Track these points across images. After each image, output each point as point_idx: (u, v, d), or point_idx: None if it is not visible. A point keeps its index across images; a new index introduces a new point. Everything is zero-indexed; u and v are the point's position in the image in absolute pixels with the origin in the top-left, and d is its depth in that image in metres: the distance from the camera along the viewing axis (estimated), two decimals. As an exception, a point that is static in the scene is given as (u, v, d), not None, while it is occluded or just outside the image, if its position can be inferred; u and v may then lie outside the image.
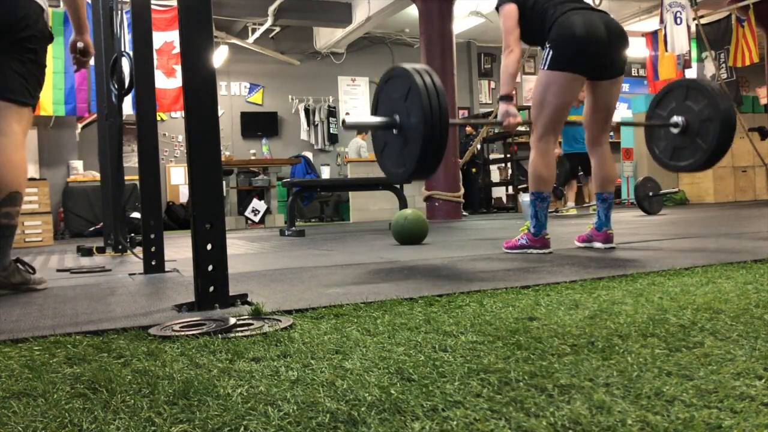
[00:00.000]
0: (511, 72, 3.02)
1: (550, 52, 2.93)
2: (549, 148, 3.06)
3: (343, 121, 2.84)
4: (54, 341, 1.46)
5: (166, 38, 8.08)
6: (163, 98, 7.99)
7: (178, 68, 7.56)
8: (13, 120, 2.47)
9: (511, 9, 3.04)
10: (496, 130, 12.28)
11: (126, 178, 4.40)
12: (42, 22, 2.53)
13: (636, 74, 14.46)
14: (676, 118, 3.46)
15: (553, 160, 3.10)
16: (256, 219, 9.10)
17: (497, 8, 3.12)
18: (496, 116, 9.23)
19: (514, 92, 3.08)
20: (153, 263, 2.93)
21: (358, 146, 10.84)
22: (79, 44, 2.78)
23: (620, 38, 2.96)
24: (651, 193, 7.17)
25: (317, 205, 11.34)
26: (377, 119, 2.89)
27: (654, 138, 3.64)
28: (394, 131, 2.81)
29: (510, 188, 11.93)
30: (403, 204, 6.36)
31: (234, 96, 11.72)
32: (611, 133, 3.27)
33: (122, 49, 3.61)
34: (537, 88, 3.05)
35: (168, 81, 8.09)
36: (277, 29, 11.37)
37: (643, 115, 11.00)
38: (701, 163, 3.41)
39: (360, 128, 3.04)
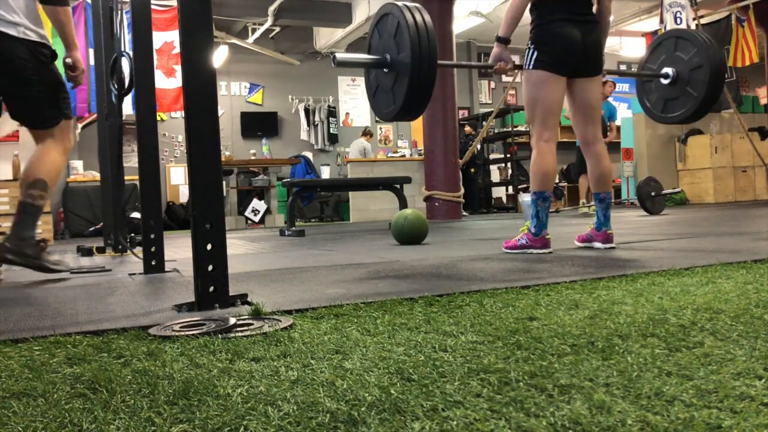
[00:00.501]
0: (513, 14, 3.04)
1: (535, 53, 3.02)
2: (550, 147, 3.07)
3: (334, 57, 2.85)
4: (54, 341, 1.46)
5: (166, 38, 8.08)
6: (163, 98, 7.98)
7: (178, 68, 7.56)
8: (47, 136, 2.97)
9: None
10: (496, 130, 12.28)
11: (126, 178, 4.40)
12: (32, 56, 2.77)
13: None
14: (667, 69, 3.48)
15: (554, 159, 3.10)
16: (256, 219, 9.10)
17: None
18: (496, 116, 9.21)
19: (510, 34, 3.09)
20: (153, 263, 2.93)
21: (362, 147, 10.82)
22: (67, 60, 3.00)
23: (594, 44, 3.05)
24: (653, 193, 7.18)
25: (317, 205, 11.35)
26: (368, 56, 2.94)
27: (646, 92, 3.66)
28: (385, 69, 2.85)
29: (510, 188, 11.93)
30: (403, 204, 6.36)
31: (234, 96, 11.72)
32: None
33: (122, 49, 3.61)
34: (526, 89, 3.12)
35: (168, 81, 8.09)
36: (277, 29, 11.37)
37: (643, 115, 11.00)
38: (692, 111, 3.43)
39: (351, 65, 3.07)
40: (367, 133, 11.18)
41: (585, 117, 3.16)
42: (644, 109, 3.70)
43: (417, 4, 2.87)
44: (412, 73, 2.68)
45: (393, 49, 2.83)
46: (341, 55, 2.89)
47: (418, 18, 2.74)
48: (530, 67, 3.06)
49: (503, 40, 3.07)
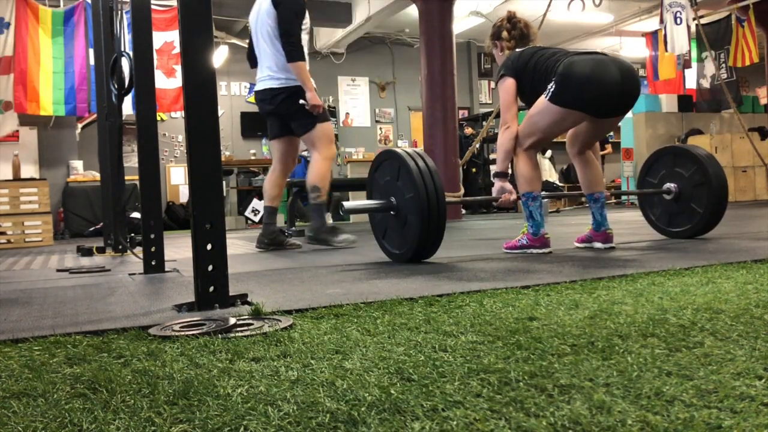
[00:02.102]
0: (506, 149, 3.03)
1: (553, 87, 2.88)
2: (530, 154, 3.08)
3: (342, 207, 2.97)
4: (54, 341, 1.46)
5: (166, 38, 8.08)
6: (163, 98, 7.98)
7: (178, 68, 7.56)
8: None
9: (510, 84, 3.04)
10: (496, 131, 12.28)
11: (126, 178, 4.40)
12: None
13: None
14: (669, 185, 3.51)
15: (536, 162, 3.11)
16: (256, 219, 9.10)
17: (496, 83, 3.15)
18: (496, 116, 9.21)
19: (509, 169, 3.11)
20: (153, 263, 2.93)
21: None
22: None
23: (632, 78, 2.92)
24: None
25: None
26: (374, 202, 3.02)
27: (649, 205, 3.69)
28: (392, 213, 2.89)
29: (510, 188, 11.91)
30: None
31: (234, 96, 11.72)
32: (611, 133, 3.30)
33: (122, 49, 3.61)
34: (535, 110, 3.00)
35: (168, 81, 8.09)
36: (277, 29, 11.36)
37: (643, 115, 11.00)
38: (701, 226, 3.46)
39: (359, 212, 3.17)
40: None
41: (591, 141, 3.15)
42: (649, 222, 3.74)
43: (417, 149, 2.92)
44: (422, 218, 2.72)
45: (398, 192, 2.87)
46: (349, 204, 3.03)
47: (420, 162, 2.80)
48: (547, 98, 2.91)
49: (502, 174, 3.08)
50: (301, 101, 3.92)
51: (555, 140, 3.28)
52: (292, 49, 3.92)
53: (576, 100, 2.86)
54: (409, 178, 2.76)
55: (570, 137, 3.20)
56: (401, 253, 2.93)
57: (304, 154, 9.36)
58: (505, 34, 3.25)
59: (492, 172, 3.05)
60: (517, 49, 3.16)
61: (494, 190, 3.10)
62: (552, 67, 2.92)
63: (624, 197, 10.99)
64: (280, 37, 3.94)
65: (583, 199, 3.35)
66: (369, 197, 3.12)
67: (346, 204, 2.98)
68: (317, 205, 4.03)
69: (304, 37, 4.10)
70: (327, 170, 4.08)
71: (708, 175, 3.37)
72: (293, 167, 4.25)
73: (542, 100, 2.94)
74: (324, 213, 4.06)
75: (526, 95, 3.08)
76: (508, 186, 3.06)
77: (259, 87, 4.07)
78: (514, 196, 3.06)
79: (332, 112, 12.32)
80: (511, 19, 3.29)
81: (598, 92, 2.84)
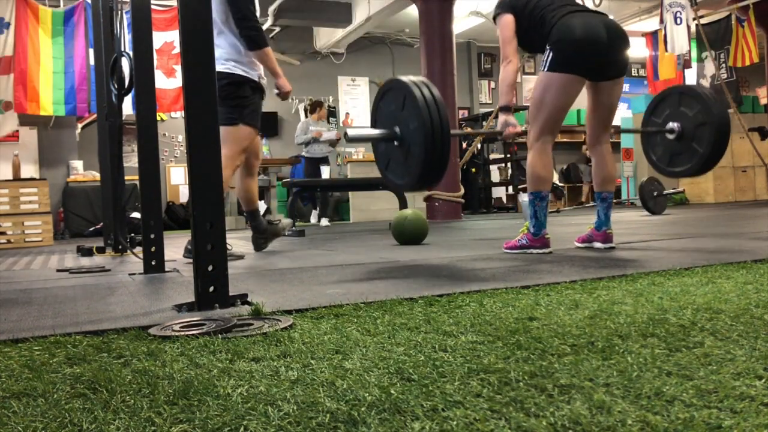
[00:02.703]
0: (509, 82, 3.05)
1: (550, 54, 2.93)
2: (546, 148, 3.07)
3: (345, 134, 2.87)
4: (54, 341, 1.46)
5: (166, 38, 8.08)
6: (163, 98, 7.99)
7: (178, 68, 7.56)
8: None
9: (508, 19, 3.06)
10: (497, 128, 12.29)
11: (126, 178, 4.40)
12: None
13: (636, 74, 14.46)
14: (672, 124, 3.50)
15: (551, 159, 3.10)
16: (256, 219, 9.08)
17: (494, 18, 3.15)
18: (496, 116, 9.23)
19: (513, 102, 3.11)
20: (153, 263, 2.93)
21: (306, 128, 9.05)
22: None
23: (621, 39, 2.97)
24: (656, 193, 7.18)
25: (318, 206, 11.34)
26: (378, 131, 2.92)
27: (651, 145, 3.69)
28: (395, 143, 2.83)
29: (510, 188, 11.93)
30: (403, 204, 6.36)
31: (234, 96, 11.70)
32: (612, 131, 3.30)
33: (122, 49, 3.61)
34: (536, 89, 3.05)
35: (168, 81, 8.09)
36: (277, 29, 11.36)
37: (643, 115, 10.99)
38: (698, 167, 3.45)
39: (362, 141, 3.10)
40: (315, 109, 9.18)
41: (602, 119, 3.15)
42: (650, 162, 3.72)
43: (423, 78, 2.84)
44: (426, 146, 2.65)
45: (403, 122, 2.80)
46: (352, 132, 2.92)
47: (426, 91, 2.73)
48: (545, 69, 2.97)
49: (506, 108, 3.09)
50: (276, 91, 3.80)
51: (556, 140, 3.27)
52: (255, 35, 3.53)
53: (571, 62, 2.93)
54: (413, 108, 2.68)
55: (586, 122, 3.23)
56: (403, 184, 2.89)
57: (304, 154, 9.37)
58: None
59: (497, 107, 3.06)
60: None
61: (499, 124, 3.14)
62: (547, 20, 2.96)
63: (624, 198, 10.99)
64: (237, 23, 3.49)
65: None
66: (373, 126, 3.05)
67: (350, 131, 2.88)
68: (249, 212, 3.92)
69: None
70: (226, 175, 3.47)
71: (711, 115, 3.35)
72: (257, 164, 3.89)
73: (541, 74, 3.01)
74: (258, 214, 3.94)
75: (520, 37, 3.09)
76: (513, 119, 3.10)
77: None
78: (518, 129, 3.08)
79: (332, 112, 12.33)
80: None
81: (588, 53, 2.91)
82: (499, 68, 3.16)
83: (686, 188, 10.68)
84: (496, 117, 10.06)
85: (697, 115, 3.41)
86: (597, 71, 2.98)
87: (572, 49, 2.90)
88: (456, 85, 8.42)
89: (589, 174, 10.59)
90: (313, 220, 8.97)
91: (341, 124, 12.46)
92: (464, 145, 10.48)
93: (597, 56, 2.92)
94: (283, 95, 3.80)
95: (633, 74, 14.44)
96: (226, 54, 3.52)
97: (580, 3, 3.13)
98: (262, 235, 3.97)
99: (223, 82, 3.49)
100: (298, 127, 9.19)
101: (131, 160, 8.64)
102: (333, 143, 9.15)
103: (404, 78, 2.79)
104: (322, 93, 12.31)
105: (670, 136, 3.52)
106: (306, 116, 9.63)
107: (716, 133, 3.34)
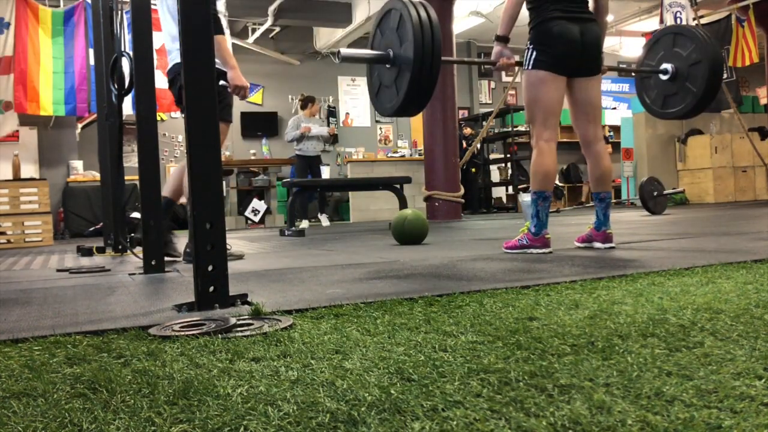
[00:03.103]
0: (510, 13, 3.09)
1: (534, 53, 3.04)
2: (550, 147, 3.07)
3: (338, 53, 2.86)
4: (54, 341, 1.46)
5: (166, 38, 8.06)
6: (163, 98, 7.97)
7: (178, 68, 7.53)
8: None
9: None
10: (496, 130, 12.29)
11: (126, 178, 4.41)
12: None
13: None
14: (666, 65, 3.50)
15: (554, 159, 3.10)
16: (256, 219, 9.10)
17: None
18: (496, 116, 9.18)
19: (509, 33, 3.14)
20: (153, 263, 2.93)
21: (297, 124, 8.52)
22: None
23: (592, 37, 3.05)
24: (656, 193, 7.18)
25: (317, 205, 11.34)
26: (371, 52, 2.94)
27: (645, 87, 3.69)
28: (387, 65, 2.85)
29: (510, 188, 11.93)
30: (403, 204, 6.36)
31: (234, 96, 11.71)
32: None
33: (122, 49, 3.61)
34: (526, 90, 3.13)
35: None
36: (277, 29, 11.36)
37: (643, 115, 10.99)
38: (692, 106, 3.45)
39: (355, 60, 3.07)
40: (306, 104, 8.72)
41: (586, 116, 3.16)
42: (644, 105, 3.72)
43: (424, 1, 2.86)
44: (414, 64, 2.66)
45: (396, 43, 2.81)
46: (345, 51, 2.91)
47: (422, 11, 2.74)
48: (530, 67, 3.07)
49: (503, 39, 3.12)
50: (222, 82, 3.34)
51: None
52: None
53: (550, 59, 3.02)
54: (407, 27, 2.69)
55: (573, 125, 3.26)
56: (391, 106, 2.89)
57: (297, 152, 9.36)
58: None
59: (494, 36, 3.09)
60: None
61: (493, 54, 3.17)
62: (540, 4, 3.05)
63: (624, 198, 10.99)
64: None
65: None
66: (371, 46, 3.03)
67: (343, 51, 2.90)
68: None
69: (220, 8, 3.43)
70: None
71: (705, 53, 3.35)
72: None
73: (527, 74, 3.09)
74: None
75: None
76: (507, 51, 3.14)
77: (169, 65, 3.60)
78: (512, 61, 3.13)
79: (332, 112, 12.33)
80: None
81: (563, 49, 3.00)
82: (501, 73, 3.18)
83: (686, 188, 10.68)
84: (496, 117, 10.01)
85: (690, 54, 3.41)
86: (574, 65, 3.05)
87: (550, 46, 3.01)
88: (456, 85, 8.42)
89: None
90: (324, 221, 8.83)
91: (341, 124, 12.46)
92: (464, 144, 10.48)
93: (570, 52, 3.01)
94: (235, 90, 3.39)
95: (633, 74, 14.42)
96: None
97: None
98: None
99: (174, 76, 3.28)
100: (289, 123, 8.72)
101: (131, 160, 8.64)
102: (327, 140, 8.94)
103: None
104: (322, 93, 12.32)
105: (664, 77, 3.52)
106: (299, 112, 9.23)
107: (710, 71, 3.33)
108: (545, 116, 3.07)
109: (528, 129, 3.19)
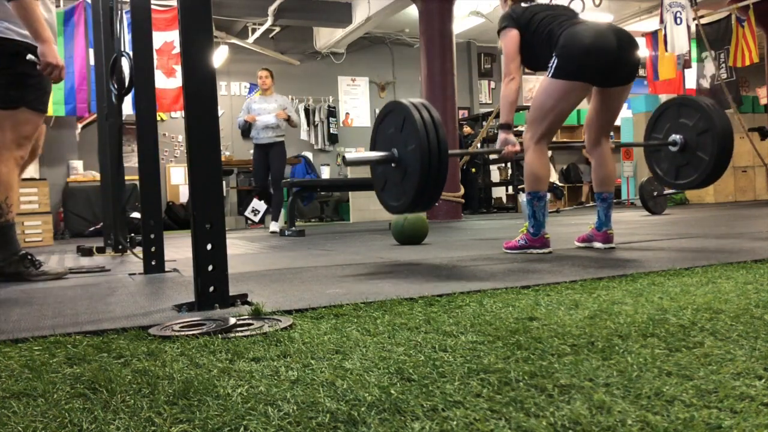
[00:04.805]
0: (510, 100, 3.04)
1: (556, 61, 2.90)
2: (543, 148, 3.07)
3: (344, 158, 2.90)
4: (54, 341, 1.46)
5: (166, 38, 8.07)
6: (163, 98, 7.98)
7: (178, 68, 7.55)
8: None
9: (513, 35, 3.04)
10: (496, 131, 12.28)
11: (126, 178, 4.41)
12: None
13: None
14: (674, 137, 3.51)
15: (547, 160, 3.10)
16: (256, 219, 9.10)
17: (499, 33, 3.13)
18: (496, 116, 9.22)
19: (513, 120, 3.10)
20: (153, 263, 2.93)
21: (248, 107, 7.49)
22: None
23: (630, 45, 2.93)
24: (656, 193, 7.18)
25: (317, 205, 11.34)
26: (376, 154, 2.95)
27: (656, 160, 3.70)
28: (393, 165, 2.86)
29: (510, 188, 11.93)
30: (403, 204, 6.33)
31: (234, 96, 11.71)
32: (611, 134, 3.29)
33: (122, 49, 3.61)
34: (539, 93, 3.02)
35: (168, 81, 8.09)
36: (277, 29, 11.37)
37: (643, 115, 11.01)
38: (706, 174, 3.45)
39: (360, 164, 3.11)
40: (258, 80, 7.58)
41: (604, 123, 3.14)
42: (657, 178, 3.73)
43: (423, 100, 2.88)
44: (422, 171, 2.65)
45: (400, 143, 2.82)
46: (350, 156, 2.96)
47: (425, 113, 2.75)
48: (550, 76, 2.93)
49: (506, 126, 3.08)
50: (30, 57, 2.73)
51: (556, 140, 3.28)
52: None
53: (578, 69, 2.88)
54: (412, 129, 2.69)
55: (586, 124, 3.21)
56: (398, 205, 2.89)
57: (305, 153, 9.36)
58: None
59: (497, 125, 3.07)
60: (523, 4, 3.16)
61: (498, 142, 3.12)
62: (555, 32, 2.93)
63: (624, 198, 10.99)
64: None
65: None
66: (372, 149, 3.07)
67: (348, 155, 2.93)
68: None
69: None
70: (11, 178, 2.90)
71: (712, 121, 3.35)
72: (32, 161, 3.14)
73: (545, 80, 2.96)
74: (11, 238, 2.95)
75: (524, 55, 3.08)
76: (512, 138, 3.08)
77: None
78: (517, 148, 3.06)
79: (332, 112, 12.33)
80: None
81: (597, 60, 2.86)
82: (500, 68, 3.16)
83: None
84: (496, 117, 10.05)
85: (697, 124, 3.42)
86: (606, 77, 2.94)
87: (579, 54, 2.85)
88: (456, 85, 8.42)
89: (589, 174, 10.61)
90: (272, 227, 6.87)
91: (341, 124, 12.45)
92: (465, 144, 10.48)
93: (606, 62, 2.87)
94: (46, 69, 2.73)
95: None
96: None
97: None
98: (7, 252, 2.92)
99: None
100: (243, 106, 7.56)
101: (131, 160, 8.64)
102: (287, 123, 7.25)
103: (404, 100, 2.83)
104: (322, 93, 12.32)
105: (674, 149, 3.53)
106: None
107: (719, 138, 3.34)
108: (551, 125, 3.03)
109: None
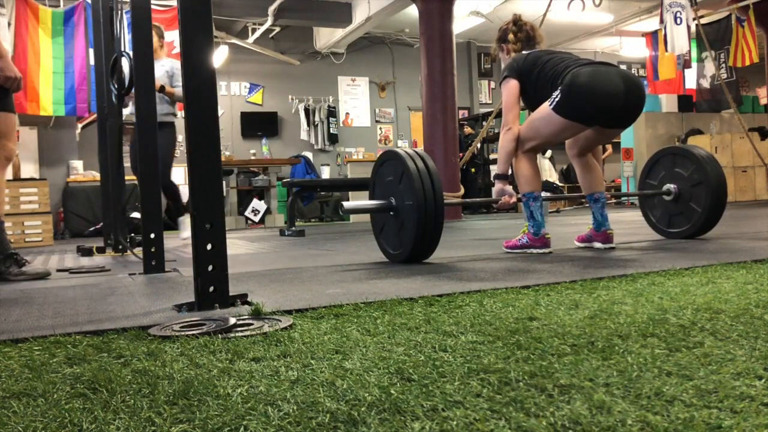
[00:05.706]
0: (507, 151, 3.03)
1: (558, 97, 2.86)
2: (533, 155, 3.11)
3: (341, 206, 2.96)
4: (54, 341, 1.46)
5: (166, 38, 8.07)
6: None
7: (178, 68, 7.53)
8: None
9: (514, 85, 3.04)
10: (496, 131, 12.28)
11: (126, 178, 4.41)
12: None
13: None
14: (669, 186, 3.54)
15: (535, 162, 3.12)
16: (256, 219, 9.10)
17: (500, 84, 3.13)
18: (496, 116, 9.18)
19: (510, 171, 3.10)
20: (153, 263, 2.93)
21: (171, 67, 5.08)
22: None
23: (638, 90, 2.89)
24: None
25: (317, 205, 11.34)
26: (375, 202, 3.03)
27: (649, 206, 3.73)
28: (391, 213, 2.93)
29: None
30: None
31: (234, 96, 11.71)
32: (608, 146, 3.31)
33: (122, 49, 3.61)
34: (538, 117, 2.99)
35: (168, 81, 8.07)
36: (277, 29, 11.37)
37: (643, 115, 10.98)
38: (699, 226, 3.47)
39: (359, 212, 3.17)
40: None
41: (592, 145, 3.16)
42: (649, 224, 3.76)
43: (419, 150, 2.91)
44: (419, 224, 2.73)
45: (397, 193, 2.88)
46: (348, 204, 3.02)
47: (419, 162, 2.80)
48: (551, 107, 2.89)
49: (503, 176, 3.07)
50: None
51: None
52: None
53: (580, 112, 2.85)
54: (409, 184, 2.76)
55: (570, 140, 3.19)
56: (396, 254, 2.96)
57: (305, 153, 9.36)
58: (511, 36, 3.25)
59: (492, 174, 3.07)
60: (523, 52, 3.16)
61: (494, 192, 3.10)
62: (559, 73, 2.90)
63: (624, 198, 10.98)
64: None
65: (583, 200, 3.35)
66: (371, 193, 3.12)
67: (346, 204, 3.00)
68: None
69: None
70: None
71: (706, 174, 3.39)
72: (8, 162, 3.02)
73: (546, 108, 2.92)
74: (0, 239, 2.91)
75: (529, 98, 3.08)
76: (509, 188, 3.06)
77: None
78: (514, 199, 3.06)
79: (332, 112, 12.34)
80: (517, 22, 3.28)
81: (602, 104, 2.83)
82: (500, 68, 3.16)
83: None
84: (496, 117, 10.05)
85: (692, 175, 3.46)
86: (610, 119, 2.90)
87: (583, 98, 2.81)
88: (456, 85, 8.42)
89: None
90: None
91: (341, 124, 12.45)
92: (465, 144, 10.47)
93: (612, 106, 2.83)
94: (5, 81, 2.81)
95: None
96: None
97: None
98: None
99: None
100: None
101: (131, 160, 8.62)
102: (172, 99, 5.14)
103: (401, 151, 2.89)
104: (322, 93, 12.33)
105: (668, 198, 3.56)
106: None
107: (713, 190, 3.37)
108: (542, 146, 3.09)
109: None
